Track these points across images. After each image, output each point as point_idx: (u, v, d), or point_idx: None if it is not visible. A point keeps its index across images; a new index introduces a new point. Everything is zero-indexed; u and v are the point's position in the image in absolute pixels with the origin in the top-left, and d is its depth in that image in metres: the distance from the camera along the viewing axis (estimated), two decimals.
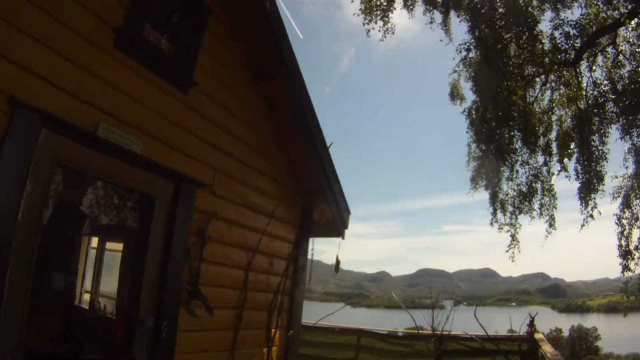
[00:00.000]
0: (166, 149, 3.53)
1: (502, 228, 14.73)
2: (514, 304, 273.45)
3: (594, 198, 11.79)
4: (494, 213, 14.86)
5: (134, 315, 3.37)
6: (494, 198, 14.83)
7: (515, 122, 12.92)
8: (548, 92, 13.53)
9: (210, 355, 3.95)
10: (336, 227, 5.73)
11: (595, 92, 11.74)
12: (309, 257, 5.59)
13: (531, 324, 8.22)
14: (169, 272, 3.46)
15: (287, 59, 4.47)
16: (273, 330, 4.74)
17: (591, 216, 11.77)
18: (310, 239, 5.59)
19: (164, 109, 3.53)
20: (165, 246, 3.47)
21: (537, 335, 8.02)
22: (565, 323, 75.31)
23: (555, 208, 14.05)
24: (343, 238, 5.95)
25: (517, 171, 14.10)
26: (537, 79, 12.95)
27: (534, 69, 12.51)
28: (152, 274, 3.41)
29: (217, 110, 4.16)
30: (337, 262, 5.98)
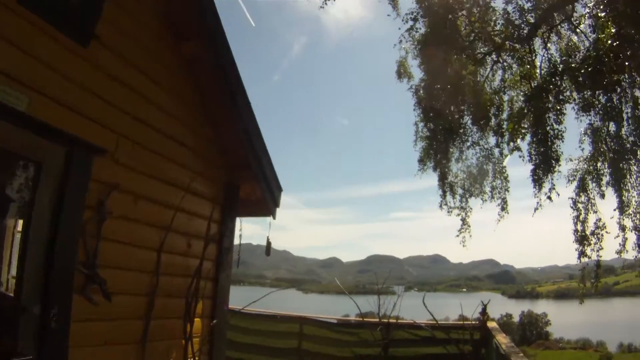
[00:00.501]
0: (59, 108, 3.07)
1: (451, 211, 14.47)
2: (464, 290, 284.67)
3: (551, 179, 11.38)
4: (443, 196, 14.50)
5: (16, 301, 2.96)
6: (442, 180, 14.43)
7: (465, 100, 12.58)
8: (500, 72, 13.08)
9: (114, 348, 3.52)
10: (266, 205, 5.43)
11: (550, 70, 11.29)
12: (238, 239, 5.22)
13: (484, 312, 8.01)
14: (57, 251, 3.03)
15: (209, 15, 4.04)
16: (196, 319, 4.34)
17: (549, 198, 11.44)
18: (238, 219, 5.23)
19: (58, 63, 3.06)
20: (53, 220, 3.03)
21: (490, 324, 7.86)
22: (516, 309, 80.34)
23: (508, 191, 13.76)
24: (274, 217, 5.63)
25: (467, 152, 13.92)
26: (489, 58, 12.58)
27: (486, 47, 12.17)
28: (36, 253, 2.99)
29: (128, 71, 3.71)
30: (268, 244, 5.59)
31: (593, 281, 12.06)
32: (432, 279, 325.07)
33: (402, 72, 14.42)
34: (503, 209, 13.69)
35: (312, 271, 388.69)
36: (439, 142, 13.82)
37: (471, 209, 14.28)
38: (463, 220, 14.34)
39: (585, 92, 10.38)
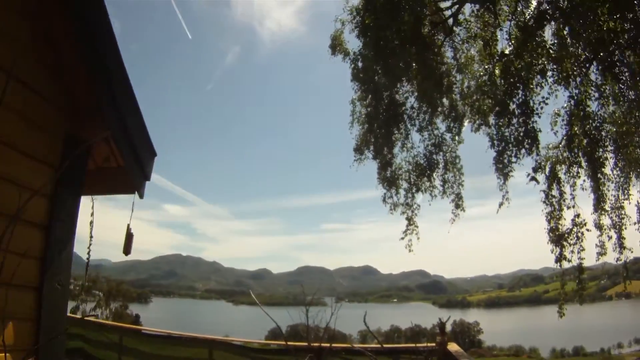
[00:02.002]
0: None
1: (395, 209, 12.88)
2: (395, 300, 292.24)
3: (536, 160, 9.64)
4: (388, 189, 12.88)
5: None
6: (383, 170, 12.89)
7: (411, 76, 11.03)
8: (457, 38, 11.46)
9: None
10: (130, 177, 3.76)
11: (520, 34, 9.49)
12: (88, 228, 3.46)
13: (442, 330, 6.43)
14: None
15: None
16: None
17: (534, 179, 9.57)
18: (86, 198, 3.48)
19: None
20: None
21: (452, 347, 6.33)
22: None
23: (462, 186, 12.31)
24: (142, 196, 3.91)
25: (413, 139, 12.55)
26: (441, 25, 11.06)
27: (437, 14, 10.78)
28: None
29: None
30: (128, 235, 3.84)
31: (578, 287, 10.88)
32: (363, 290, 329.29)
33: (336, 46, 12.78)
34: (458, 206, 12.29)
35: (242, 282, 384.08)
36: (379, 125, 12.32)
37: (419, 206, 12.76)
38: (409, 219, 12.73)
39: (559, 65, 8.96)
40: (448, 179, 12.30)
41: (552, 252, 10.43)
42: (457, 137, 12.19)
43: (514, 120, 9.38)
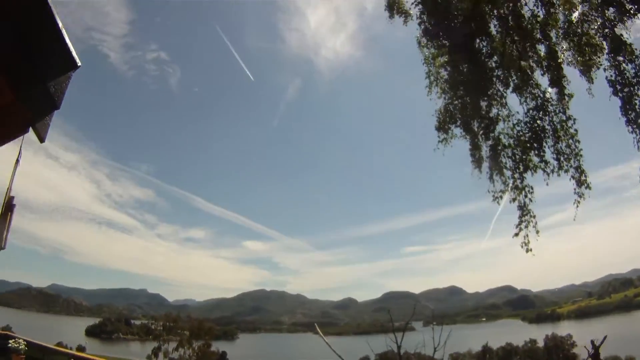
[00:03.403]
0: None
1: (500, 197, 10.82)
2: (484, 319, 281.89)
3: None
4: (490, 172, 10.93)
5: None
6: (476, 150, 11.29)
7: (492, 28, 9.45)
8: None
9: None
10: (18, 108, 2.53)
11: None
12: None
13: (596, 354, 5.21)
14: None
15: None
16: None
17: None
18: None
19: None
20: None
21: None
22: (538, 333, 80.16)
23: (581, 156, 9.74)
24: (42, 139, 2.72)
25: (508, 103, 10.54)
26: None
27: None
28: None
29: None
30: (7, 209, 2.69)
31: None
32: (450, 311, 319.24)
33: (394, 5, 11.38)
34: (580, 183, 9.71)
35: (327, 313, 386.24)
36: (465, 92, 10.54)
37: (532, 189, 10.39)
38: (522, 207, 10.47)
39: None
40: (562, 150, 9.87)
41: None
42: (565, 91, 9.72)
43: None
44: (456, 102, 10.96)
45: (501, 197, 10.67)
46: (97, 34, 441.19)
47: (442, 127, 11.24)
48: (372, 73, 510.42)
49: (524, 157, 10.20)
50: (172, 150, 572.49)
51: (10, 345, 9.17)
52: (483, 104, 10.50)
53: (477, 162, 11.25)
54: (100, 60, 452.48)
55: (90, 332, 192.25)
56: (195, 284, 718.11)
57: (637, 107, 7.93)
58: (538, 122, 9.92)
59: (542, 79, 10.11)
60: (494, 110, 10.68)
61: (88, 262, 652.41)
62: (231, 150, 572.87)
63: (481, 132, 10.88)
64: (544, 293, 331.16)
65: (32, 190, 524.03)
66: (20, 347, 9.22)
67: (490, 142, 10.82)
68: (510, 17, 9.49)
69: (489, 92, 10.30)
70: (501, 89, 10.42)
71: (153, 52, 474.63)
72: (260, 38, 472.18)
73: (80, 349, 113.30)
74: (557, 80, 9.61)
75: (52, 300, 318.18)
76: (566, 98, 9.78)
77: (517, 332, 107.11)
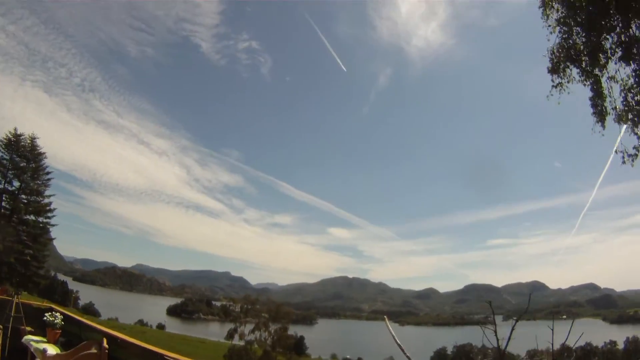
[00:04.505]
0: None
1: (635, 155, 9.17)
2: (564, 317, 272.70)
3: None
4: (618, 118, 9.31)
5: None
6: (599, 99, 9.75)
7: None
8: None
9: None
10: None
11: None
12: None
13: None
14: None
15: None
16: None
17: None
18: None
19: None
20: None
21: None
22: (619, 335, 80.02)
23: None
24: None
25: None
26: None
27: None
28: None
29: None
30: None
31: None
32: (530, 307, 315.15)
33: None
34: None
35: (408, 303, 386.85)
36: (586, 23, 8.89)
37: None
38: None
39: None
40: None
41: None
42: None
43: None
44: (574, 37, 9.15)
45: (637, 155, 9.03)
46: (189, 25, 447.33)
47: (557, 68, 9.58)
48: (465, 61, 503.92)
49: None
50: (262, 137, 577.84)
51: (45, 318, 8.09)
52: (607, 35, 8.70)
53: (599, 114, 9.49)
54: (192, 50, 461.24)
55: (172, 311, 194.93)
56: (278, 268, 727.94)
57: None
58: None
59: None
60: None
61: (174, 244, 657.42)
62: (320, 138, 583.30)
63: (605, 73, 9.00)
64: (628, 293, 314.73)
65: (123, 173, 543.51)
66: (56, 321, 8.13)
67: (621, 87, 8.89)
68: None
69: (612, 25, 8.53)
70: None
71: (244, 42, 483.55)
72: (351, 26, 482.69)
73: (160, 326, 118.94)
74: None
75: (135, 280, 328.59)
76: None
77: (597, 332, 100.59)
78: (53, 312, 8.70)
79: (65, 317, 8.92)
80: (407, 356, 5.31)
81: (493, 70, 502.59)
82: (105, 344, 6.10)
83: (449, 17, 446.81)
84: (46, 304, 12.24)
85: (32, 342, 7.77)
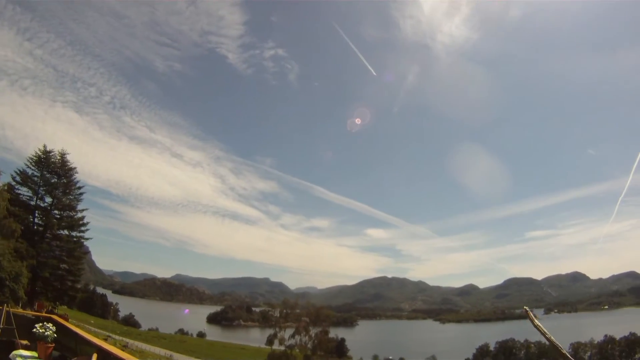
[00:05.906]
0: None
1: None
2: (606, 307, 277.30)
3: None
4: None
5: None
6: None
7: None
8: None
9: None
10: None
11: None
12: None
13: None
14: None
15: None
16: None
17: None
18: None
19: None
20: None
21: None
22: None
23: None
24: None
25: None
26: None
27: None
28: None
29: None
30: None
31: None
32: (572, 298, 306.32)
33: None
34: None
35: (448, 300, 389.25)
36: None
37: None
38: None
39: None
40: None
41: None
42: None
43: None
44: None
45: None
46: (214, 37, 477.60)
47: None
48: (490, 54, 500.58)
49: None
50: (294, 143, 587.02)
51: (35, 330, 7.19)
52: None
53: None
54: (219, 62, 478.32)
55: (212, 319, 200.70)
56: (317, 271, 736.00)
57: None
58: None
59: None
60: None
61: (212, 253, 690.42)
62: (352, 139, 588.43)
63: None
64: None
65: (158, 187, 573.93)
66: (47, 333, 7.19)
67: None
68: None
69: None
70: None
71: (270, 50, 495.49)
72: (376, 29, 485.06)
73: (201, 335, 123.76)
74: None
75: (175, 290, 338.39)
76: None
77: (638, 322, 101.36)
78: (44, 324, 7.69)
79: (61, 329, 8.24)
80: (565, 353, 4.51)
81: (519, 61, 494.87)
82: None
83: (472, 11, 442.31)
84: (45, 314, 11.42)
85: (18, 359, 6.93)
